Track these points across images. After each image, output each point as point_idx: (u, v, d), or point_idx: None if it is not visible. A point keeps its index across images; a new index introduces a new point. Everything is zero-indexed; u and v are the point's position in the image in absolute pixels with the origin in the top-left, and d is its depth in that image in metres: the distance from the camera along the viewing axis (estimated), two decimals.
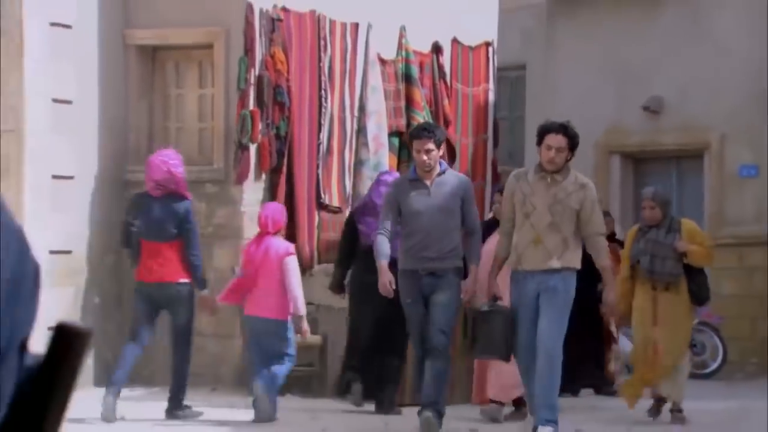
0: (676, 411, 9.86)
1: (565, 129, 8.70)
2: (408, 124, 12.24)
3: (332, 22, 11.83)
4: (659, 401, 9.95)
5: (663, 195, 10.03)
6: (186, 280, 9.23)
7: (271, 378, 9.14)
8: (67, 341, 1.32)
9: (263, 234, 9.48)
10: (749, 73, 15.46)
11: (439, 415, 8.66)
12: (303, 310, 9.28)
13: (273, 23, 11.36)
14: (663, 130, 16.24)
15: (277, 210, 9.78)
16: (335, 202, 11.92)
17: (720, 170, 16.00)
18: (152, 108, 11.88)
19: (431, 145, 8.77)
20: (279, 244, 9.43)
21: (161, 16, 11.49)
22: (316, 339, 10.74)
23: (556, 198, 8.44)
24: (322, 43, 11.78)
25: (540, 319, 8.30)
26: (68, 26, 11.16)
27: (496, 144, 13.58)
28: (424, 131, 9.06)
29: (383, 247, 8.81)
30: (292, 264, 9.45)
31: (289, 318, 9.30)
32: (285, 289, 9.25)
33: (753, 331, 14.69)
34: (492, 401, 9.90)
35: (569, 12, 16.73)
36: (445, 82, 12.80)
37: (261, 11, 11.26)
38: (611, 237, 11.43)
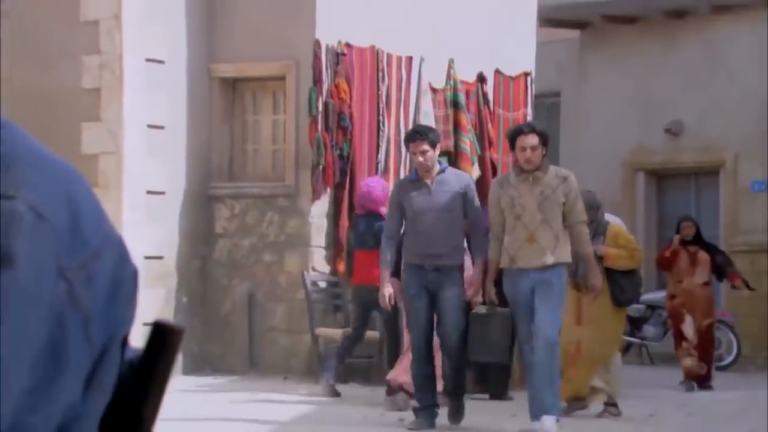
0: (611, 405, 9.28)
1: (533, 128, 8.24)
2: (456, 145, 12.24)
3: (389, 56, 11.85)
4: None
5: (590, 199, 9.01)
6: None
7: None
8: (163, 337, 1.36)
9: None
10: (759, 100, 15.27)
11: (460, 412, 8.33)
12: None
13: (338, 57, 11.39)
14: (682, 150, 16.10)
15: None
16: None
17: (734, 186, 15.86)
18: (232, 132, 11.94)
19: (426, 146, 8.18)
20: None
21: (240, 52, 11.56)
22: (374, 334, 10.74)
23: (543, 195, 7.89)
24: (381, 74, 11.79)
25: (536, 311, 7.75)
26: (161, 62, 11.25)
27: None
28: (417, 134, 8.53)
29: (387, 255, 8.32)
30: None
31: None
32: None
33: (763, 328, 14.51)
34: (402, 389, 9.06)
35: (598, 46, 16.64)
36: (489, 108, 12.77)
37: (327, 47, 11.29)
38: None
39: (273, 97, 11.84)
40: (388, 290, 8.33)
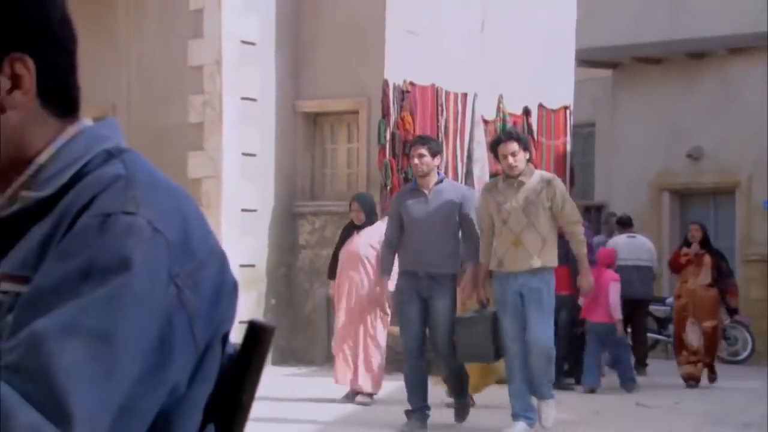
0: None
1: (511, 135, 7.43)
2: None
3: (447, 93, 11.85)
4: None
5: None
6: None
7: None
8: (258, 334, 1.37)
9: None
10: None
11: (466, 406, 7.74)
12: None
13: (403, 94, 11.42)
14: (703, 173, 15.93)
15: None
16: None
17: (748, 203, 15.68)
18: (314, 158, 12.01)
19: (423, 151, 7.38)
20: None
21: (320, 90, 11.63)
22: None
23: (527, 200, 7.05)
24: (440, 108, 11.80)
25: (529, 321, 7.03)
26: (254, 99, 11.36)
27: (572, 184, 13.43)
28: (420, 139, 7.90)
29: (387, 263, 7.66)
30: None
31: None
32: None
33: None
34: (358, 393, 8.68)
35: (628, 83, 16.54)
36: (533, 137, 12.72)
37: (394, 85, 11.32)
38: None
39: (348, 129, 11.89)
40: (385, 296, 7.86)
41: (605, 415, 8.60)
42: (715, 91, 15.71)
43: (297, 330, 11.48)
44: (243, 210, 11.15)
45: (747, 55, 15.51)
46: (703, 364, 10.66)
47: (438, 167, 7.57)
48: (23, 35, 1.27)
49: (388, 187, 11.24)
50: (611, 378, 10.56)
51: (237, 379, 1.38)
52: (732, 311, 11.09)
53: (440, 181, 7.50)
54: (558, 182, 7.29)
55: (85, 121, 1.38)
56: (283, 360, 10.86)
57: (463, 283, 7.45)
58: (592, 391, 9.99)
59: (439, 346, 7.40)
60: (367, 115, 11.46)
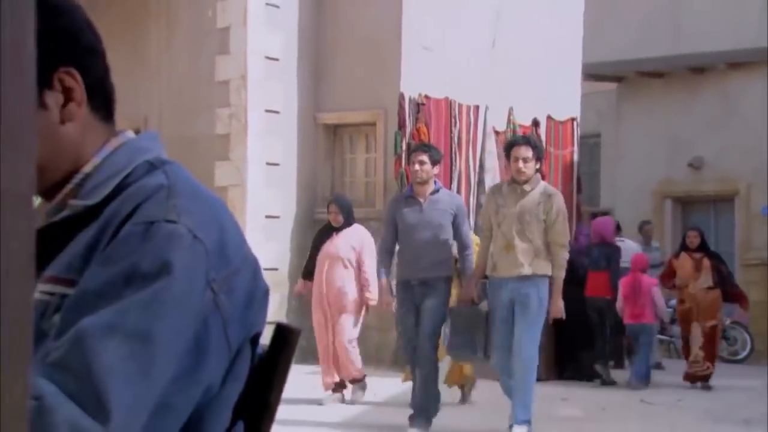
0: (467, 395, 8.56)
1: (528, 140, 7.02)
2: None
3: (460, 105, 11.85)
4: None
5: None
6: None
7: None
8: (284, 336, 1.38)
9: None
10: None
11: (429, 419, 7.02)
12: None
13: (418, 107, 11.42)
14: (703, 181, 15.90)
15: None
16: None
17: (747, 210, 15.63)
18: (333, 168, 12.02)
19: (425, 158, 7.05)
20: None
21: (340, 103, 11.65)
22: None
23: (524, 207, 6.66)
24: (453, 120, 11.80)
25: (516, 328, 6.58)
26: (277, 112, 11.39)
27: (579, 191, 13.39)
28: (422, 145, 7.59)
29: (382, 265, 7.32)
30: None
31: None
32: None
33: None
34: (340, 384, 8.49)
35: (632, 96, 16.53)
36: (542, 147, 12.70)
37: (409, 98, 11.32)
38: None
39: (366, 140, 11.91)
40: (386, 299, 7.44)
41: (611, 412, 8.57)
42: (715, 103, 15.68)
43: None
44: (267, 216, 11.18)
45: (746, 70, 15.47)
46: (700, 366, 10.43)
47: (436, 176, 7.23)
48: (64, 49, 1.28)
49: None
50: (615, 375, 10.53)
51: (265, 379, 1.38)
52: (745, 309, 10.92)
53: (436, 191, 7.16)
54: (559, 199, 6.86)
55: (128, 133, 1.39)
56: (303, 359, 10.86)
57: (462, 294, 7.15)
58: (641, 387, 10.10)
59: (421, 342, 6.91)
60: (384, 126, 11.47)
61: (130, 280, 1.18)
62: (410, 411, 7.10)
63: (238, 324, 1.29)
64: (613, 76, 16.55)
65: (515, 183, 6.82)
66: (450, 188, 11.68)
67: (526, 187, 6.76)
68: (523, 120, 12.50)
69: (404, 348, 7.25)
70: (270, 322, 1.39)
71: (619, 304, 10.27)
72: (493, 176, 11.99)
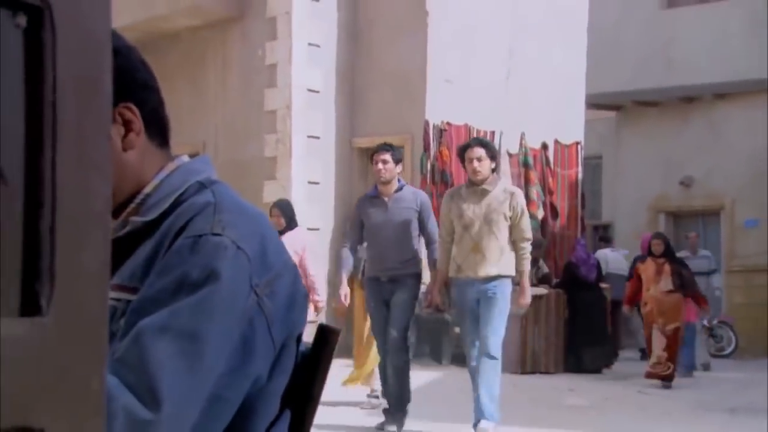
0: (373, 396, 7.62)
1: (479, 141, 6.25)
2: (526, 194, 12.12)
3: (478, 131, 11.83)
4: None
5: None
6: None
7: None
8: (326, 335, 1.37)
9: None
10: (751, 160, 14.96)
11: (404, 410, 6.37)
12: None
13: (441, 132, 11.42)
14: (693, 197, 15.79)
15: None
16: None
17: (731, 223, 15.51)
18: (366, 185, 11.97)
19: (387, 157, 6.30)
20: None
21: (372, 129, 11.66)
22: None
23: (490, 207, 5.94)
24: None
25: (481, 327, 5.88)
26: (317, 137, 11.43)
27: (583, 206, 13.33)
28: (384, 145, 6.50)
29: (345, 261, 6.63)
30: None
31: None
32: None
33: (756, 327, 14.11)
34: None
35: (630, 122, 16.45)
36: (550, 167, 12.66)
37: (433, 125, 11.33)
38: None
39: None
40: (343, 290, 6.74)
41: (613, 401, 8.49)
42: (703, 129, 15.59)
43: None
44: (308, 228, 11.13)
45: (730, 100, 15.37)
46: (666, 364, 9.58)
47: (399, 174, 6.48)
48: (122, 86, 1.29)
49: None
50: (622, 367, 10.49)
51: (308, 373, 1.37)
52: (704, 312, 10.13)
53: (400, 188, 6.41)
54: (520, 196, 6.16)
55: (183, 157, 1.40)
56: (339, 354, 10.85)
57: (428, 289, 6.50)
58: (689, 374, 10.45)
59: (392, 337, 6.24)
60: (411, 149, 11.46)
61: (182, 287, 1.19)
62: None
63: (281, 323, 1.29)
64: (613, 105, 16.49)
65: (474, 185, 6.05)
66: None
67: (487, 187, 6.01)
68: (534, 143, 12.46)
69: (377, 342, 6.53)
70: (311, 321, 1.39)
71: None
72: None
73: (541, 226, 12.15)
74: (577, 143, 13.20)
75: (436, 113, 11.38)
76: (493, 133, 12.00)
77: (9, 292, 0.56)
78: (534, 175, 12.33)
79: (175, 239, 1.25)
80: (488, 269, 5.90)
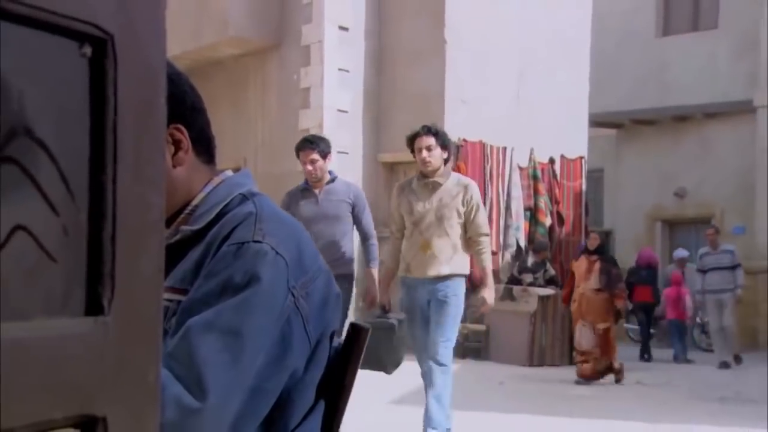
0: None
1: (429, 129, 5.08)
2: (535, 204, 12.09)
3: (491, 147, 11.81)
4: None
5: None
6: None
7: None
8: (356, 333, 1.37)
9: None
10: (738, 173, 14.84)
11: None
12: None
13: (458, 148, 11.36)
14: (686, 207, 15.67)
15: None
16: (493, 248, 11.76)
17: (721, 230, 15.37)
18: (389, 195, 12.00)
19: (315, 156, 5.33)
20: None
21: (396, 145, 11.62)
22: (482, 327, 10.60)
23: (441, 202, 4.90)
24: (485, 159, 11.75)
25: (431, 332, 4.84)
26: (346, 153, 11.44)
27: (587, 214, 13.24)
28: (307, 142, 5.44)
29: None
30: None
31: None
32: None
33: (743, 324, 13.92)
34: None
35: (629, 139, 16.37)
36: (557, 180, 12.60)
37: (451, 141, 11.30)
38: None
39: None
40: None
41: (613, 390, 8.41)
42: (695, 146, 15.48)
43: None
44: None
45: (719, 119, 15.25)
46: (595, 363, 8.61)
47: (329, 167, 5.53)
48: (174, 110, 1.30)
49: None
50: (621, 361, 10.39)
51: (341, 367, 1.37)
52: (617, 314, 8.69)
53: (332, 180, 5.50)
54: (474, 189, 5.01)
55: (228, 172, 1.41)
56: None
57: (366, 288, 5.64)
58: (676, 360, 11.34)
59: None
60: None
61: (226, 289, 1.20)
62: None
63: (316, 321, 1.30)
64: (613, 123, 16.41)
65: (425, 177, 5.00)
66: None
67: (439, 180, 4.96)
68: (542, 158, 12.41)
69: None
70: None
71: (663, 306, 11.68)
72: (517, 204, 11.91)
73: (549, 233, 12.09)
74: (581, 158, 13.12)
75: (453, 131, 11.29)
76: (504, 148, 11.97)
77: (75, 294, 0.56)
78: (542, 187, 12.27)
79: (221, 246, 1.26)
80: (439, 268, 4.83)
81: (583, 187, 13.14)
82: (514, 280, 10.89)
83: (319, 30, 11.23)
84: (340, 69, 11.37)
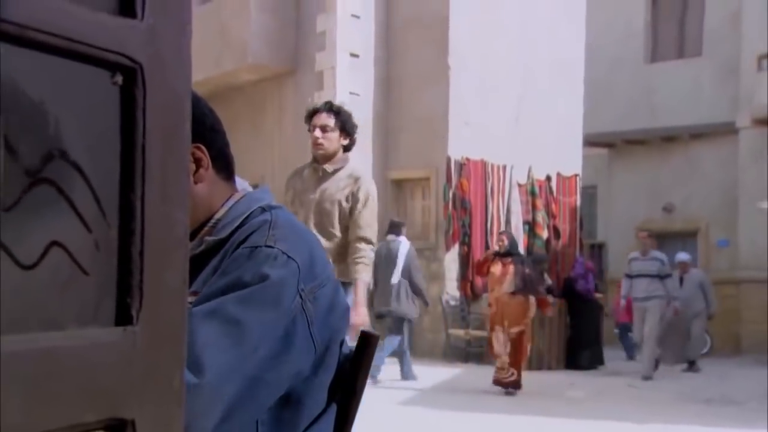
0: None
1: (331, 107, 4.12)
2: (533, 218, 12.06)
3: (492, 165, 11.80)
4: None
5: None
6: None
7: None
8: (367, 339, 1.36)
9: None
10: (722, 189, 14.81)
11: None
12: None
13: (461, 166, 11.40)
14: (674, 221, 15.62)
15: None
16: None
17: (707, 243, 15.34)
18: (398, 211, 11.92)
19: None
20: None
21: (403, 164, 11.69)
22: (483, 333, 10.54)
23: (325, 193, 3.92)
24: (486, 176, 11.74)
25: None
26: None
27: (581, 228, 13.20)
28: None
29: None
30: None
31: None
32: None
33: (728, 331, 13.88)
34: None
35: (620, 158, 16.34)
36: (553, 195, 12.57)
37: (454, 160, 11.31)
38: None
39: (422, 191, 11.89)
40: None
41: (606, 393, 8.35)
42: (682, 164, 15.45)
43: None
44: None
45: (704, 139, 15.21)
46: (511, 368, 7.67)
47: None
48: (194, 131, 1.30)
49: (450, 232, 11.21)
50: (613, 365, 10.34)
51: (352, 372, 1.36)
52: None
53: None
54: (369, 183, 4.01)
55: (248, 187, 1.42)
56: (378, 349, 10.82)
57: None
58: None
59: None
60: (435, 181, 11.45)
61: (235, 286, 1.20)
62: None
63: (322, 325, 1.29)
64: (606, 143, 16.41)
65: (316, 162, 4.03)
66: (485, 227, 11.61)
67: (328, 167, 3.96)
68: (539, 175, 12.39)
69: None
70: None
71: (621, 309, 11.34)
72: (517, 218, 11.88)
73: (546, 245, 12.06)
74: (576, 175, 13.10)
75: (456, 150, 11.37)
76: (504, 166, 11.96)
77: (106, 305, 0.56)
78: (539, 203, 12.24)
79: (236, 249, 1.27)
80: None
81: (578, 202, 13.10)
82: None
83: (332, 57, 11.28)
84: (351, 93, 11.40)
